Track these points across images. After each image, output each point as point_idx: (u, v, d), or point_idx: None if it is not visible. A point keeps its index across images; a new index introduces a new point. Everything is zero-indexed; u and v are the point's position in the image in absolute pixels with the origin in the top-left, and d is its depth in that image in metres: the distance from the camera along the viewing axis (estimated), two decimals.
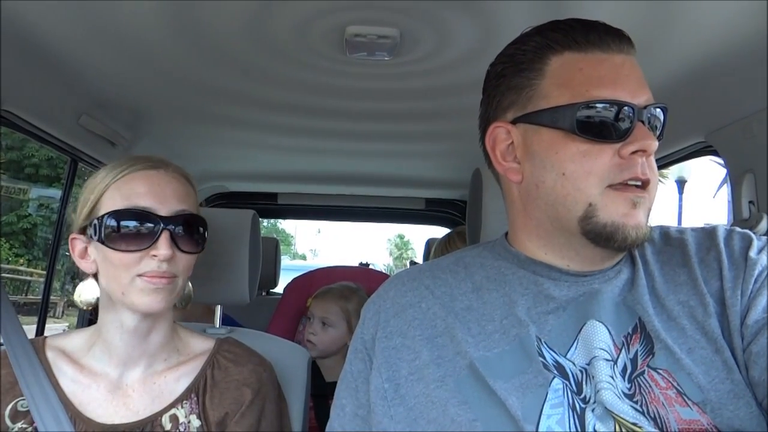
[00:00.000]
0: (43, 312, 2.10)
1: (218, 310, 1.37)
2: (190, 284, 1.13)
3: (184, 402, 1.04)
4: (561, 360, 0.79)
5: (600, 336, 0.79)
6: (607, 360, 0.77)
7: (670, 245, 0.89)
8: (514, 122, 0.86)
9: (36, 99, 1.53)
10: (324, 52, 1.46)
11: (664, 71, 1.45)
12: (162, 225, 0.99)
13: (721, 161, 1.51)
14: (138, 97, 1.82)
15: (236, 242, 1.28)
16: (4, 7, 1.18)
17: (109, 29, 1.34)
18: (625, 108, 0.79)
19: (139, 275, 0.98)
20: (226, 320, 1.59)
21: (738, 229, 0.87)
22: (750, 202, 1.40)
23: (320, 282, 2.25)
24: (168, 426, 1.01)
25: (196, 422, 1.02)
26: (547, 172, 0.83)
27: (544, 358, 0.79)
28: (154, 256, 0.98)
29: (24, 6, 1.20)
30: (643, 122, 0.80)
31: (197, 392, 1.05)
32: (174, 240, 1.00)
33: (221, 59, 1.52)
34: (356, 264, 3.63)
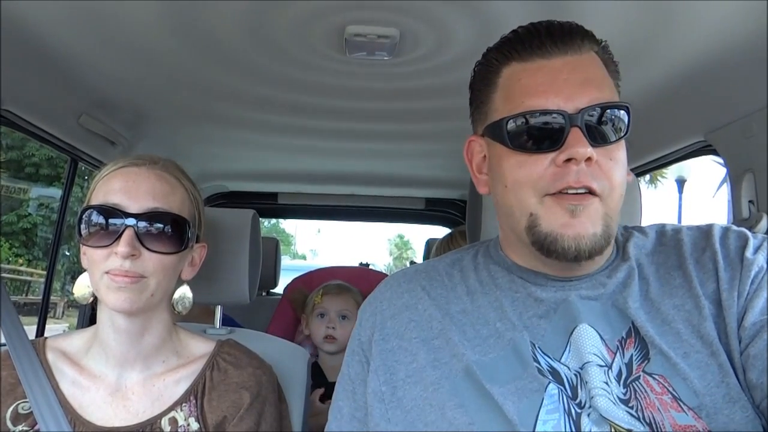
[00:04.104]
0: (43, 312, 2.10)
1: (218, 310, 1.37)
2: (189, 292, 1.11)
3: (184, 404, 1.03)
4: (555, 365, 0.78)
5: (590, 341, 0.79)
6: (600, 366, 0.77)
7: (665, 245, 0.88)
8: (483, 135, 0.88)
9: (36, 99, 1.53)
10: (324, 52, 1.46)
11: (664, 71, 1.45)
12: (125, 222, 0.97)
13: (721, 161, 1.51)
14: (138, 97, 1.82)
15: (236, 242, 1.28)
16: (4, 8, 1.18)
17: (110, 29, 1.34)
18: (555, 116, 0.77)
19: (107, 272, 0.96)
20: (226, 320, 1.58)
21: (734, 227, 0.86)
22: (750, 201, 1.40)
23: (320, 282, 2.25)
24: (167, 429, 1.00)
25: (194, 425, 1.02)
26: (497, 184, 0.84)
27: (539, 363, 0.79)
28: (117, 253, 0.96)
29: (24, 6, 1.20)
30: (579, 127, 0.76)
31: (196, 394, 1.04)
32: (140, 238, 0.97)
33: (221, 59, 1.52)
34: (356, 264, 3.63)
